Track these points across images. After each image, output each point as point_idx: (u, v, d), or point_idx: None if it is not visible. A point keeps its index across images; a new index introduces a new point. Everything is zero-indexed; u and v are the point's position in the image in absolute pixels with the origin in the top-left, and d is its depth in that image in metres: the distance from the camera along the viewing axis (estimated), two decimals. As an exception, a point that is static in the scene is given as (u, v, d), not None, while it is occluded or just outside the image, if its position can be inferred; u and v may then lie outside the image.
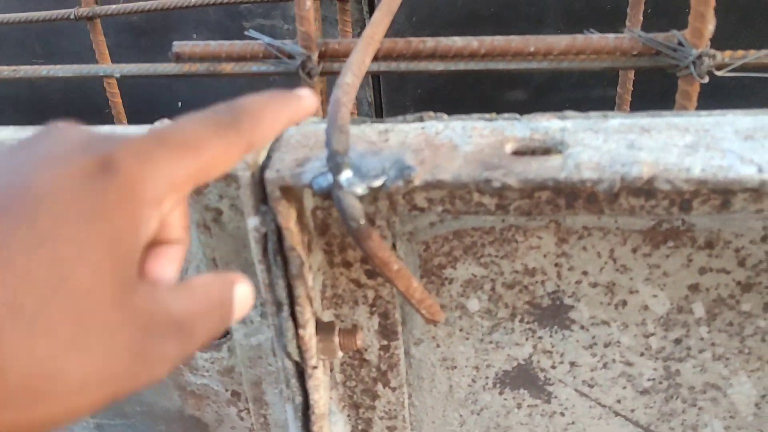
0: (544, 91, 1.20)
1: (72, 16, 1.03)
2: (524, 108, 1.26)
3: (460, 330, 0.62)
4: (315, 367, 0.58)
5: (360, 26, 1.20)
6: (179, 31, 1.30)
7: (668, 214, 0.49)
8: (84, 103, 1.42)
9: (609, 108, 1.06)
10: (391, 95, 1.28)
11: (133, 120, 1.20)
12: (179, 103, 1.39)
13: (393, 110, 1.30)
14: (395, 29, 1.22)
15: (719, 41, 1.09)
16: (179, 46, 0.66)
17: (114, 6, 1.03)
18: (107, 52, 1.08)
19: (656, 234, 0.53)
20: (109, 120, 1.19)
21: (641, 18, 0.91)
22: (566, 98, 1.20)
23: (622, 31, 0.96)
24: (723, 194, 0.44)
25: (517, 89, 1.21)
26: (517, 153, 0.48)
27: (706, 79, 0.56)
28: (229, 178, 0.52)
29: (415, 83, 1.23)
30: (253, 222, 0.51)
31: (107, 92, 1.09)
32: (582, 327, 0.59)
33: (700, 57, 0.54)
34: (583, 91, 1.17)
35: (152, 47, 1.34)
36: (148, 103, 1.40)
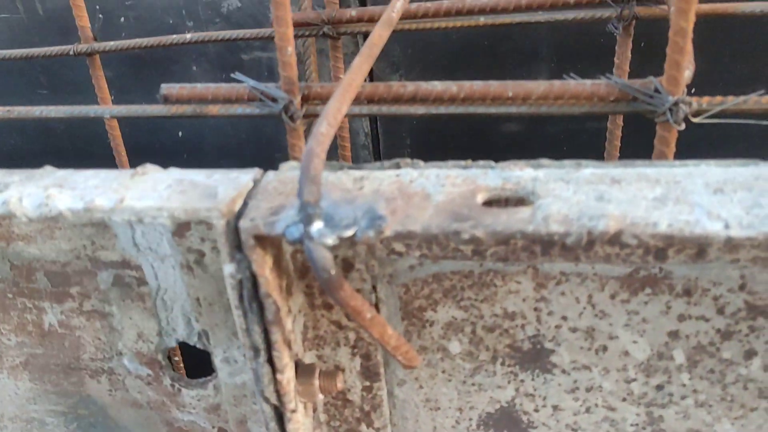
0: (540, 122, 1.20)
1: (71, 53, 1.04)
2: (520, 139, 1.27)
3: (443, 372, 0.62)
4: (294, 411, 0.58)
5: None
6: (180, 62, 1.32)
7: (644, 262, 0.49)
8: (87, 132, 1.44)
9: (602, 140, 1.06)
10: (388, 125, 1.29)
11: (133, 147, 1.22)
12: (179, 132, 1.41)
13: (390, 140, 1.30)
14: (391, 61, 1.22)
15: (712, 80, 1.09)
16: (167, 88, 0.67)
17: (112, 42, 1.04)
18: (106, 86, 1.10)
19: (634, 281, 0.52)
20: (111, 149, 1.20)
21: (629, 55, 0.91)
22: (562, 130, 1.20)
23: (615, 64, 0.96)
24: (697, 245, 0.44)
25: (513, 120, 1.21)
26: (489, 203, 0.48)
27: (683, 126, 0.56)
28: (206, 225, 0.53)
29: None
30: (228, 269, 0.51)
31: (107, 125, 1.11)
32: (563, 371, 0.59)
33: (676, 104, 0.54)
34: (578, 123, 1.17)
35: (153, 78, 1.36)
36: (150, 132, 1.42)
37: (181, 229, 0.56)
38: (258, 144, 1.35)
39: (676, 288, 0.52)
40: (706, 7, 0.83)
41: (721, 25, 1.02)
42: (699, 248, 0.43)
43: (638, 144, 0.84)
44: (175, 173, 0.56)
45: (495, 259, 0.50)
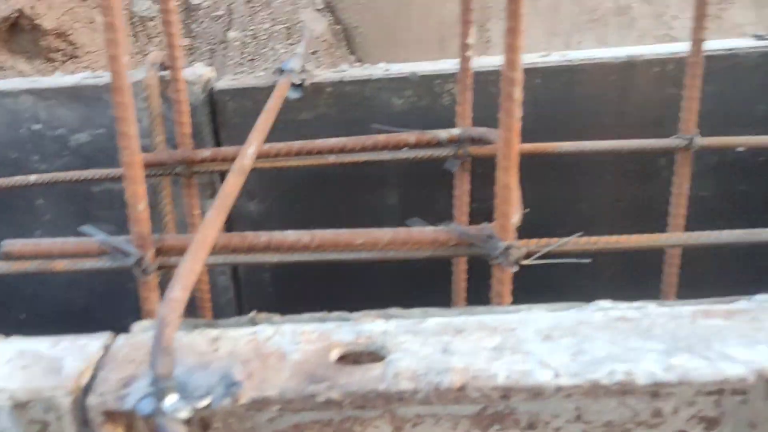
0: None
1: None
2: (376, 263, 1.30)
3: None
4: None
5: (210, 188, 1.22)
6: (23, 197, 1.26)
7: (490, 402, 0.52)
8: None
9: (450, 263, 1.12)
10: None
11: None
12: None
13: (249, 268, 1.31)
14: (247, 190, 1.24)
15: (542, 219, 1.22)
16: (8, 245, 0.64)
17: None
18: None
19: (483, 418, 0.55)
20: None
21: (468, 186, 1.00)
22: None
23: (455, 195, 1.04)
24: (532, 392, 0.48)
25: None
26: (344, 358, 0.50)
27: (516, 268, 0.62)
28: (48, 404, 0.50)
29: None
30: (76, 447, 0.49)
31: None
32: None
33: (507, 249, 0.60)
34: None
35: (-3, 211, 1.28)
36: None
37: (23, 403, 0.53)
38: (108, 275, 1.30)
39: (521, 422, 0.55)
40: (529, 146, 0.93)
41: (545, 161, 1.14)
42: (534, 393, 0.47)
43: (483, 270, 0.91)
44: (17, 344, 0.53)
45: (352, 408, 0.52)
